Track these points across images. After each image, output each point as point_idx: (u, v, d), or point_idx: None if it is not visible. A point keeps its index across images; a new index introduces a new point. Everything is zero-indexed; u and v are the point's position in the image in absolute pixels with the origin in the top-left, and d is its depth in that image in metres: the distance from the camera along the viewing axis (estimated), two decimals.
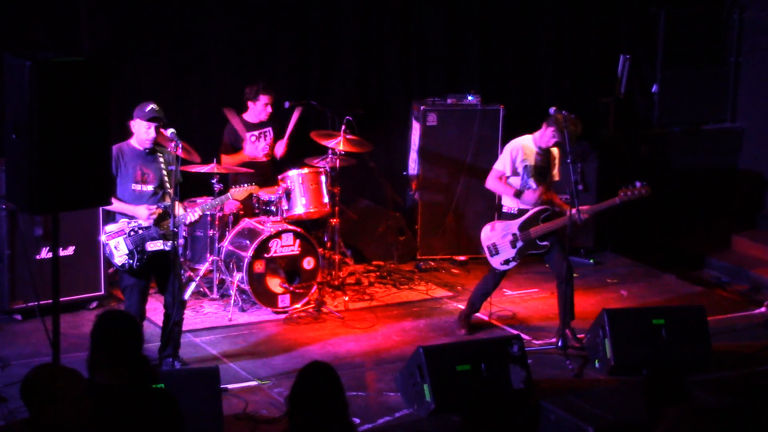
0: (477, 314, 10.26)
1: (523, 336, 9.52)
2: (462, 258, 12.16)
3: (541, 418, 7.92)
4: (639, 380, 8.85)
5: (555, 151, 9.79)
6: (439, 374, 8.37)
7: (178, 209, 8.97)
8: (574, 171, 9.47)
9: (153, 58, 11.50)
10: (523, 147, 9.71)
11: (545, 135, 9.61)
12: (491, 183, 9.83)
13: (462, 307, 10.56)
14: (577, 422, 7.63)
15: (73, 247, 10.12)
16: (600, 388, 8.78)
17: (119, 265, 8.89)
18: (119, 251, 8.85)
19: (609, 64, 13.46)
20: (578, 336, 9.66)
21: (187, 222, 9.13)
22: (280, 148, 11.15)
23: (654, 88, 13.85)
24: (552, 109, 9.54)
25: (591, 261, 12.28)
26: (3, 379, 8.61)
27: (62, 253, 9.77)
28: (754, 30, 14.02)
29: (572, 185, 9.48)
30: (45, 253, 9.88)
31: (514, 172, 9.70)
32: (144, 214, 8.81)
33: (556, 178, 9.88)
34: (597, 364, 9.30)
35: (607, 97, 13.41)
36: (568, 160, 9.50)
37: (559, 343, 9.55)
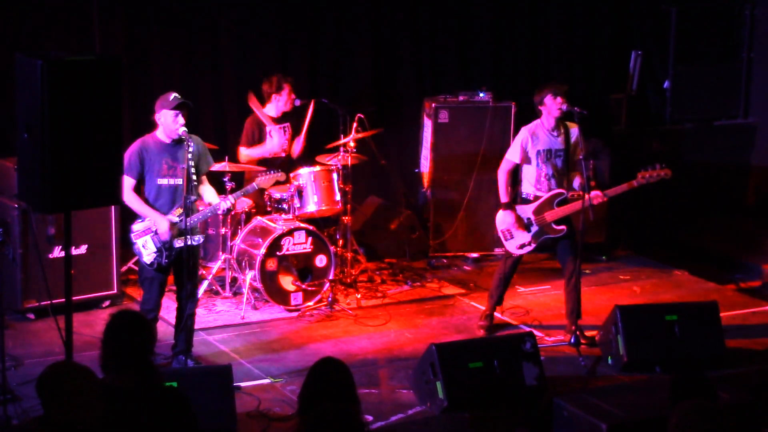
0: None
1: (536, 333, 9.51)
2: (474, 255, 12.15)
3: (554, 415, 7.92)
4: (654, 377, 8.92)
5: (572, 127, 9.76)
6: (452, 371, 8.36)
7: (213, 198, 9.02)
8: (586, 168, 9.45)
9: (165, 57, 11.52)
10: (533, 133, 9.72)
11: (551, 108, 9.60)
12: (499, 173, 9.82)
13: (475, 304, 10.57)
14: (590, 419, 7.62)
15: (86, 246, 10.13)
16: (613, 385, 8.78)
17: (148, 263, 8.90)
18: (147, 249, 8.87)
19: (621, 60, 13.45)
20: (586, 333, 9.64)
21: (220, 211, 9.16)
22: (297, 146, 11.16)
23: (666, 85, 13.83)
24: (565, 106, 9.53)
25: (603, 258, 12.26)
26: (16, 378, 8.62)
27: (75, 252, 9.78)
28: (767, 26, 13.98)
29: (584, 182, 9.46)
30: (58, 252, 9.89)
31: (526, 160, 9.71)
32: (164, 229, 8.79)
33: (581, 155, 9.69)
34: (610, 361, 9.28)
35: (620, 93, 13.39)
36: (581, 157, 9.49)
37: (572, 340, 9.54)
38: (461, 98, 12.12)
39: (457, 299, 11.01)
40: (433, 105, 12.03)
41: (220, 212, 9.18)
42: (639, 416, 7.67)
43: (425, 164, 12.27)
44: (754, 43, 14.11)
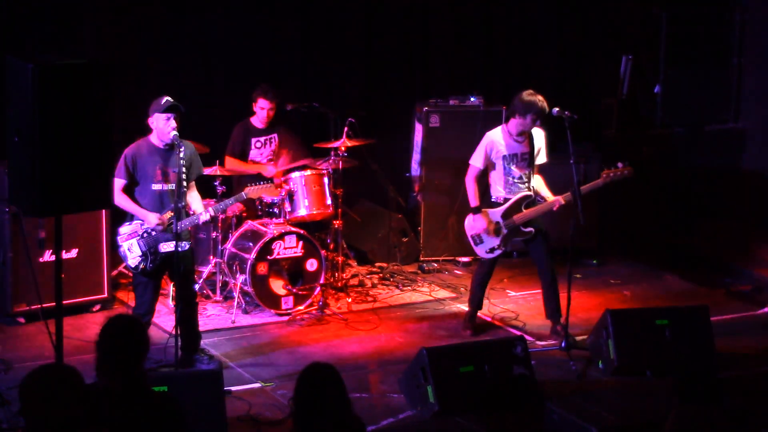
0: (481, 315, 10.26)
1: (527, 337, 9.51)
2: (465, 259, 12.15)
3: (544, 419, 7.91)
4: (645, 381, 8.92)
5: (537, 132, 9.80)
6: (443, 376, 8.36)
7: (198, 207, 9.01)
8: (577, 172, 9.46)
9: (155, 61, 11.51)
10: (495, 139, 9.78)
11: (524, 123, 9.64)
12: (466, 180, 9.88)
13: (465, 308, 10.57)
14: (580, 423, 7.63)
15: (77, 250, 10.12)
16: (604, 389, 8.78)
17: (132, 267, 8.90)
18: (132, 253, 8.86)
19: (612, 65, 13.46)
20: (577, 337, 9.64)
21: (200, 222, 9.14)
22: (280, 163, 11.15)
23: (656, 89, 13.83)
24: (555, 110, 9.56)
25: (594, 262, 12.27)
26: (6, 382, 8.59)
27: (65, 255, 9.76)
28: (757, 31, 14.00)
29: (575, 186, 9.48)
30: (48, 256, 9.86)
31: (489, 166, 9.77)
32: (153, 222, 8.80)
33: (545, 159, 9.90)
34: (600, 365, 9.28)
35: (610, 97, 13.41)
36: (571, 161, 9.50)
37: (563, 344, 9.55)
38: (452, 102, 12.12)
39: (448, 303, 11.01)
40: (425, 109, 12.04)
41: (200, 223, 9.16)
42: (630, 420, 7.68)
43: (416, 168, 12.28)
44: (745, 47, 14.11)
